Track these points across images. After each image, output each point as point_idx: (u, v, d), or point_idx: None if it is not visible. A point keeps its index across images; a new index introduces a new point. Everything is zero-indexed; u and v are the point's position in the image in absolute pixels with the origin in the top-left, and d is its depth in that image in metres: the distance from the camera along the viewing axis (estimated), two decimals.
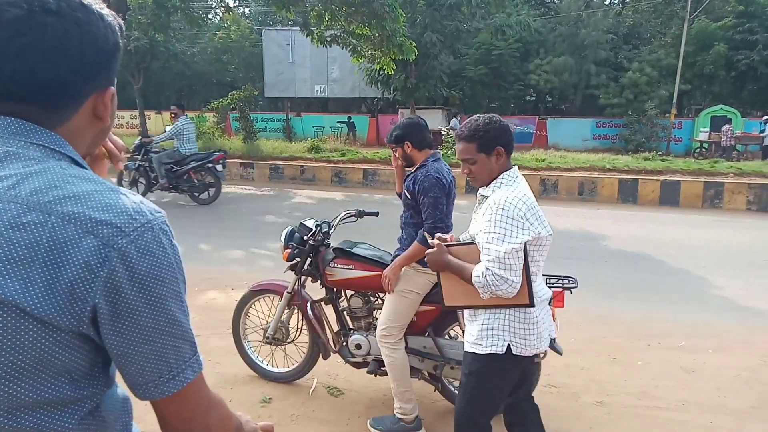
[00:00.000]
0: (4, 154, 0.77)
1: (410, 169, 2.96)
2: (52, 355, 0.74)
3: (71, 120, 0.83)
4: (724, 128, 16.72)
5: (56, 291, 0.72)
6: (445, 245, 2.10)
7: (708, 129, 19.25)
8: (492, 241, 1.94)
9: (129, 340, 0.78)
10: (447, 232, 2.90)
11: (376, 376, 3.09)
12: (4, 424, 0.74)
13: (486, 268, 1.94)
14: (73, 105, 0.82)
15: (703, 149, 18.20)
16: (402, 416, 2.85)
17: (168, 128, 9.66)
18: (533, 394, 2.52)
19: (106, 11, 0.83)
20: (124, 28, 0.89)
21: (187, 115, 9.82)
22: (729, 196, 9.83)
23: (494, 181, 2.09)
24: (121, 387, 0.90)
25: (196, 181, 9.35)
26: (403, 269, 2.84)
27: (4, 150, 0.77)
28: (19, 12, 0.74)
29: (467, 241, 2.11)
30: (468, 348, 2.14)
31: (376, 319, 3.07)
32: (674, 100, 21.05)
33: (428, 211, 2.72)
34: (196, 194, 9.43)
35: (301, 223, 3.18)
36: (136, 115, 25.20)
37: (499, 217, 1.94)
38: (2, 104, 0.79)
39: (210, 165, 9.23)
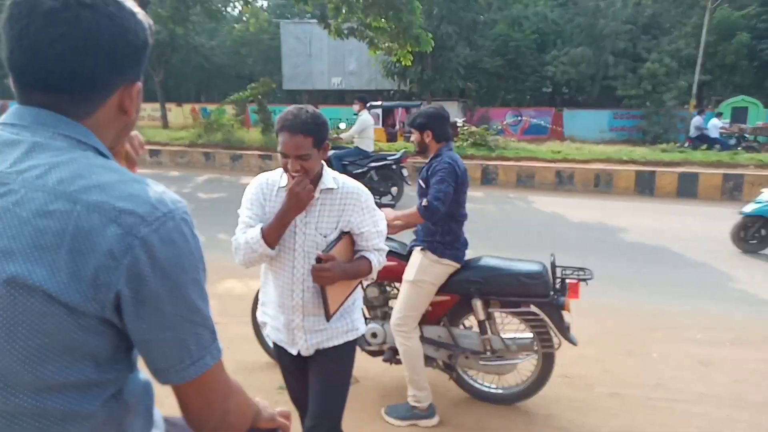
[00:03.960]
0: (33, 145, 0.79)
1: (424, 159, 2.99)
2: (77, 339, 0.77)
3: (97, 112, 0.84)
4: None
5: (81, 277, 0.74)
6: (327, 253, 1.87)
7: (729, 120, 18.86)
8: (378, 224, 2.03)
9: (151, 326, 0.80)
10: (463, 217, 2.92)
11: (391, 364, 3.13)
12: (32, 405, 0.77)
13: (380, 250, 2.05)
14: (100, 97, 0.84)
15: None
16: (416, 404, 2.89)
17: (353, 126, 8.94)
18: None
19: (138, 9, 0.86)
20: (153, 28, 0.91)
21: (368, 110, 9.04)
22: (749, 188, 9.61)
23: (326, 173, 1.96)
24: (143, 371, 0.93)
25: (378, 181, 8.49)
26: (420, 259, 2.88)
27: (33, 140, 0.79)
28: (55, 3, 0.77)
29: (336, 239, 1.96)
30: (348, 338, 2.05)
31: (392, 308, 3.10)
32: (694, 91, 20.68)
33: (434, 186, 2.76)
34: (376, 197, 8.10)
35: None
36: (157, 108, 25.68)
37: (372, 202, 2.03)
38: (33, 94, 0.81)
39: (395, 167, 8.63)
